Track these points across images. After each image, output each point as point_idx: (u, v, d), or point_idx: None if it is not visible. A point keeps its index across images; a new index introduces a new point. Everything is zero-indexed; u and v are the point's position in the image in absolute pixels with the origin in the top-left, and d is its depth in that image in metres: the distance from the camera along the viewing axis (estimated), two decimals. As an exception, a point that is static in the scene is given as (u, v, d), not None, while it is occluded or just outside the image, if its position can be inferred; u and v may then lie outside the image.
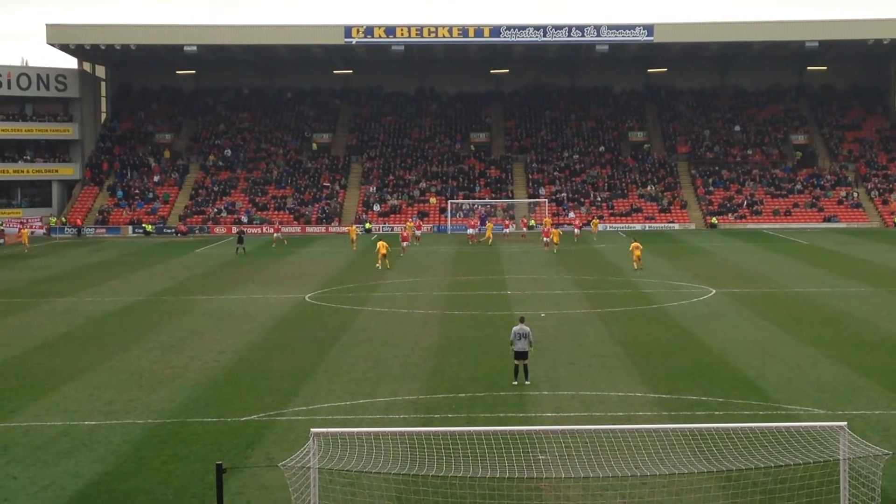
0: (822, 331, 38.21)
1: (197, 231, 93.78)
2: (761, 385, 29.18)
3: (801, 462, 19.23)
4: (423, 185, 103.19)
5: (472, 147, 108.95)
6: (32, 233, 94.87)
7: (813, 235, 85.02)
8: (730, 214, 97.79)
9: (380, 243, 62.89)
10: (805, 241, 78.63)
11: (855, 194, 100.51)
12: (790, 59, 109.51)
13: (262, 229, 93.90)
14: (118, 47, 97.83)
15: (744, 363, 32.14)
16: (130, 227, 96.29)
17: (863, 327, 39.03)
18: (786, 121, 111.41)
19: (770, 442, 19.92)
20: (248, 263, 65.87)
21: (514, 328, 29.69)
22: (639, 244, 60.75)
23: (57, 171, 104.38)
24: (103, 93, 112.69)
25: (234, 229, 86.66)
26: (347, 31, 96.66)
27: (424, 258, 68.52)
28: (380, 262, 61.10)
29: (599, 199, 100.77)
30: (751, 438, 20.23)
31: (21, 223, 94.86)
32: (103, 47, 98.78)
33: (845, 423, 18.46)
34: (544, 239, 73.41)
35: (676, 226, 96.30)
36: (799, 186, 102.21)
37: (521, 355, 29.38)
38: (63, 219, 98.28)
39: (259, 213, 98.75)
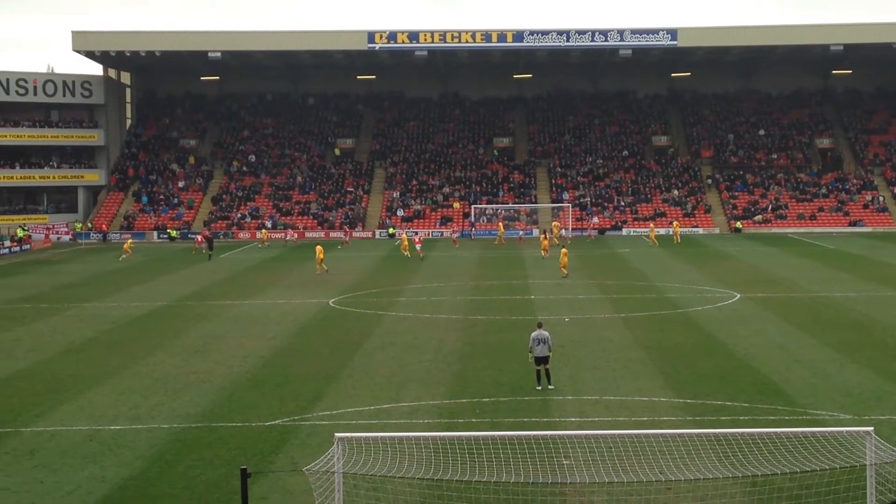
0: (847, 335, 37.96)
1: (221, 236, 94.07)
2: (787, 390, 29.03)
3: (827, 467, 19.11)
4: (446, 189, 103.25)
5: (496, 152, 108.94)
6: (59, 238, 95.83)
7: (838, 239, 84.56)
8: (760, 215, 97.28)
9: (318, 247, 63.57)
10: (831, 246, 78.20)
11: (881, 198, 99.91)
12: (815, 62, 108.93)
13: (284, 234, 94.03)
14: (143, 54, 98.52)
15: (769, 368, 31.97)
16: (155, 233, 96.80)
17: (889, 331, 38.75)
18: (810, 125, 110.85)
19: (796, 447, 19.78)
20: (272, 269, 66.08)
21: (533, 333, 29.68)
22: (566, 251, 59.38)
23: (83, 177, 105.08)
24: (128, 99, 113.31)
25: (205, 235, 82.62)
26: (370, 36, 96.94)
27: (448, 263, 68.52)
28: (318, 267, 61.33)
29: (623, 203, 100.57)
30: (776, 443, 20.11)
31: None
32: (128, 54, 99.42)
33: (872, 427, 18.37)
34: (545, 244, 69.88)
35: (700, 230, 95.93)
36: (824, 191, 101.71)
37: (542, 360, 29.35)
38: (89, 224, 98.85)
39: (283, 218, 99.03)
